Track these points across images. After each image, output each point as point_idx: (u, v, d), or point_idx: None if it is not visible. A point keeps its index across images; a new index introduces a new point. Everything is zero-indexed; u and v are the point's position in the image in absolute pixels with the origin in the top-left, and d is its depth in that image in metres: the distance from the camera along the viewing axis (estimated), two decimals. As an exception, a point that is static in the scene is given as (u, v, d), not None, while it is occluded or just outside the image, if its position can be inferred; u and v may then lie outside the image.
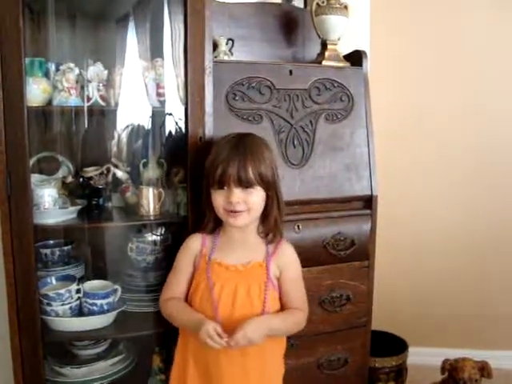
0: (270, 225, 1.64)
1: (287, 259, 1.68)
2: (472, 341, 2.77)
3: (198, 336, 1.49)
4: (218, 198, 1.57)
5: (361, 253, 2.12)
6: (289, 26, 2.38)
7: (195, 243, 1.69)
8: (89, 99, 1.82)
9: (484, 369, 2.20)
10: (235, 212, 1.56)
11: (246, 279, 1.61)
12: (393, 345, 2.51)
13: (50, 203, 1.83)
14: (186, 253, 1.69)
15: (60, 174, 2.00)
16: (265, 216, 1.64)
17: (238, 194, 1.54)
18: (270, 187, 1.59)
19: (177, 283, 1.68)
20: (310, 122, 2.06)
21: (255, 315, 1.56)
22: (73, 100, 1.80)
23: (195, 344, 1.60)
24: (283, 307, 1.65)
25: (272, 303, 1.62)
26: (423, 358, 2.67)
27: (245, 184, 1.54)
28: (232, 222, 1.59)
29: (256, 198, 1.57)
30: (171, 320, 1.67)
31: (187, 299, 1.67)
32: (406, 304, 2.84)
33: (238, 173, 1.52)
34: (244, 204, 1.55)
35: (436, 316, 2.87)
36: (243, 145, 1.58)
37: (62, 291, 1.81)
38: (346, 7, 2.22)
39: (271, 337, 1.58)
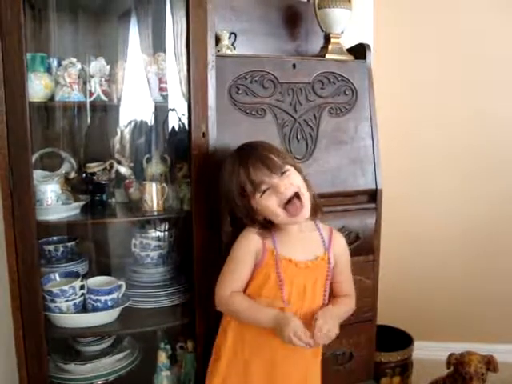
0: (313, 203, 1.62)
1: (342, 248, 1.71)
2: (478, 335, 2.76)
3: (280, 333, 1.49)
4: (270, 200, 1.53)
5: (366, 247, 2.11)
6: (292, 19, 2.37)
7: (255, 237, 1.62)
8: (91, 94, 1.81)
9: (490, 363, 2.19)
10: (291, 200, 1.53)
11: (314, 274, 1.62)
12: (398, 339, 2.51)
13: (52, 199, 1.82)
14: (246, 246, 1.62)
15: (63, 169, 1.99)
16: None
17: (281, 181, 1.52)
18: (296, 166, 1.60)
19: (236, 277, 1.62)
20: (314, 115, 2.05)
21: (319, 307, 1.61)
22: (75, 95, 1.79)
23: (256, 341, 1.61)
24: (334, 293, 1.69)
25: (328, 292, 1.66)
26: (429, 352, 2.67)
27: (278, 169, 1.53)
28: (296, 218, 1.55)
29: (296, 177, 1.56)
30: (233, 315, 1.64)
31: (245, 292, 1.63)
32: (411, 298, 2.83)
33: (264, 165, 1.52)
34: (292, 186, 1.53)
35: (441, 310, 2.86)
36: (249, 148, 1.60)
37: (65, 287, 1.81)
38: (349, 0, 2.20)
39: None
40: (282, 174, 1.54)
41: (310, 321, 1.54)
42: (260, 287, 1.61)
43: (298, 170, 1.61)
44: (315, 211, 1.65)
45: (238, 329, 1.65)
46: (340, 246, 1.71)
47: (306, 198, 1.56)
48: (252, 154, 1.55)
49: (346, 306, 1.68)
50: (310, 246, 1.65)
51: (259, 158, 1.53)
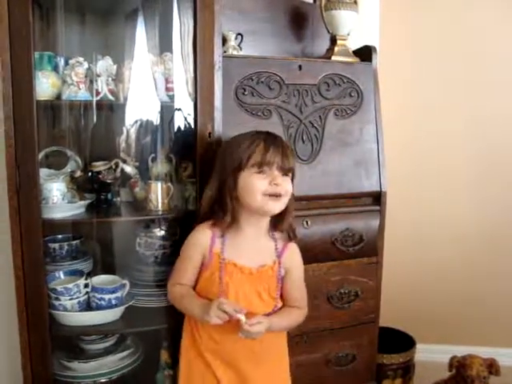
0: (289, 221, 1.65)
1: (294, 261, 1.70)
2: (480, 338, 2.76)
3: (207, 316, 1.49)
4: (258, 182, 1.54)
5: (369, 249, 2.12)
6: (298, 20, 2.38)
7: (204, 236, 1.63)
8: (98, 93, 1.81)
9: (492, 366, 2.19)
10: (278, 196, 1.55)
11: (258, 282, 1.61)
12: (400, 341, 2.51)
13: (58, 198, 1.82)
14: (195, 244, 1.64)
15: (68, 168, 2.00)
16: (284, 212, 1.62)
17: (280, 178, 1.55)
18: (293, 179, 1.62)
19: (184, 270, 1.65)
20: (319, 117, 2.05)
21: (264, 311, 1.59)
22: (82, 94, 1.80)
23: (208, 338, 1.62)
24: (284, 303, 1.67)
25: (279, 302, 1.65)
26: (431, 354, 2.67)
27: (285, 171, 1.56)
28: (272, 207, 1.56)
29: (289, 186, 1.59)
30: (176, 304, 1.67)
31: (195, 289, 1.65)
32: (414, 301, 2.84)
33: (283, 157, 1.54)
34: (284, 188, 1.56)
35: (444, 313, 2.86)
36: (275, 136, 1.61)
37: (70, 286, 1.81)
38: (355, 2, 2.21)
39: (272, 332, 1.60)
40: (285, 175, 1.57)
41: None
42: (206, 289, 1.62)
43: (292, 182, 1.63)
44: (292, 233, 1.69)
45: (192, 328, 1.67)
46: (293, 259, 1.69)
47: (285, 203, 1.59)
48: (279, 141, 1.58)
49: (289, 320, 1.67)
50: (260, 253, 1.65)
51: (283, 150, 1.55)
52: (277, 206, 1.57)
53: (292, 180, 1.62)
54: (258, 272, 1.61)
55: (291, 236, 1.69)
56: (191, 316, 1.65)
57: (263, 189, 1.54)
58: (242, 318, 1.47)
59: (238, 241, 1.63)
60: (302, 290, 1.72)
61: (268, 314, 1.60)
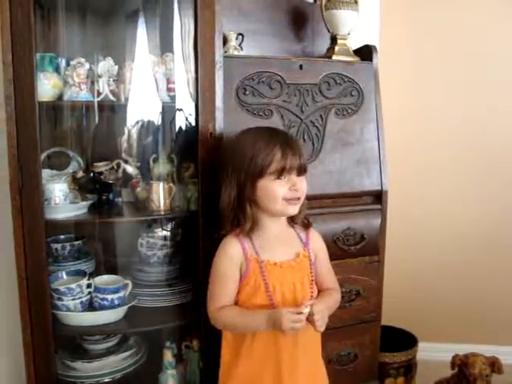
0: (303, 211, 1.66)
1: (319, 244, 1.73)
2: (482, 336, 2.76)
3: (278, 328, 1.48)
4: (279, 188, 1.54)
5: (371, 248, 2.12)
6: (298, 20, 2.38)
7: (235, 248, 1.61)
8: (99, 94, 1.82)
9: (494, 364, 2.20)
10: (297, 199, 1.57)
11: (299, 272, 1.63)
12: (402, 340, 2.51)
13: (60, 198, 1.83)
14: (230, 260, 1.61)
15: (70, 169, 2.01)
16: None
17: (299, 181, 1.56)
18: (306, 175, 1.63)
19: (225, 293, 1.60)
20: (320, 116, 2.06)
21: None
22: (83, 95, 1.80)
23: (264, 345, 1.59)
24: (317, 287, 1.69)
25: (315, 288, 1.67)
26: (433, 353, 2.68)
27: (303, 172, 1.58)
28: (292, 210, 1.59)
29: (305, 184, 1.60)
30: (229, 328, 1.63)
31: (237, 304, 1.62)
32: (415, 299, 2.84)
33: (300, 161, 1.55)
34: (302, 190, 1.58)
35: (446, 311, 2.87)
36: (287, 135, 1.63)
37: (72, 286, 1.82)
38: (355, 1, 2.21)
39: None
40: (301, 175, 1.58)
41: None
42: (251, 296, 1.59)
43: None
44: (307, 221, 1.71)
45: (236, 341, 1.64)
46: (318, 241, 1.73)
47: (301, 203, 1.61)
48: (294, 144, 1.57)
49: (331, 298, 1.69)
50: (289, 244, 1.67)
51: (299, 153, 1.56)
52: (296, 209, 1.60)
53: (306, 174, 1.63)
54: (296, 263, 1.63)
55: (307, 223, 1.71)
56: (253, 331, 1.59)
57: (283, 194, 1.55)
58: (308, 308, 1.48)
59: (265, 239, 1.63)
60: (331, 271, 1.76)
61: None
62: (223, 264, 1.62)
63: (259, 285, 1.58)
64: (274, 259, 1.61)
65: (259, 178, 1.54)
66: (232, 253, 1.61)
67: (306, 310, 1.48)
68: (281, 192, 1.54)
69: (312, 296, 1.63)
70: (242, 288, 1.60)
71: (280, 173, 1.53)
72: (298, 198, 1.58)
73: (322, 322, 1.51)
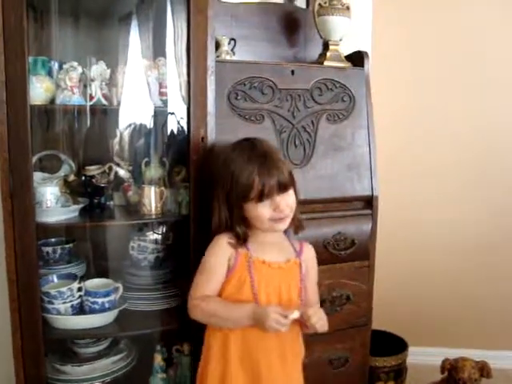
0: (296, 218, 1.65)
1: (312, 259, 1.73)
2: (472, 341, 2.78)
3: (262, 326, 1.48)
4: (263, 211, 1.55)
5: (361, 253, 2.13)
6: (291, 26, 2.39)
7: (228, 241, 1.63)
8: (91, 98, 1.82)
9: (483, 368, 2.21)
10: (283, 218, 1.57)
11: (287, 277, 1.63)
12: (393, 344, 2.52)
13: (52, 201, 1.83)
14: (220, 252, 1.62)
15: (62, 172, 2.00)
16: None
17: (283, 200, 1.55)
18: (295, 185, 1.62)
19: (211, 284, 1.60)
20: (312, 122, 2.07)
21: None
22: (76, 99, 1.80)
23: (241, 343, 1.59)
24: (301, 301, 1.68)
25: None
26: (423, 357, 2.69)
27: (285, 189, 1.56)
28: (279, 227, 1.60)
29: (292, 198, 1.59)
30: (208, 317, 1.60)
31: (223, 295, 1.62)
32: (405, 304, 2.85)
33: (279, 181, 1.53)
34: (288, 208, 1.57)
35: (436, 316, 2.88)
36: (265, 151, 1.59)
37: (63, 289, 1.82)
38: (348, 8, 2.22)
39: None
40: (285, 191, 1.56)
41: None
42: (236, 292, 1.59)
43: (295, 187, 1.63)
44: (297, 227, 1.70)
45: (221, 333, 1.62)
46: (311, 256, 1.73)
47: (291, 216, 1.61)
48: (271, 163, 1.55)
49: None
50: (282, 250, 1.67)
51: (277, 172, 1.54)
52: (285, 225, 1.60)
53: (294, 184, 1.62)
54: (286, 266, 1.63)
55: (300, 228, 1.70)
56: (233, 324, 1.59)
57: (268, 216, 1.56)
58: (296, 313, 1.48)
59: (259, 240, 1.64)
60: (317, 292, 1.76)
61: None
62: (213, 255, 1.63)
63: (244, 280, 1.59)
64: (264, 258, 1.61)
65: (243, 202, 1.56)
66: (224, 245, 1.62)
67: (293, 316, 1.47)
68: (266, 214, 1.56)
69: (300, 305, 1.61)
70: (228, 282, 1.60)
71: (260, 197, 1.54)
72: (284, 217, 1.58)
73: (321, 323, 1.51)
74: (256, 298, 1.57)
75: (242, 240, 1.61)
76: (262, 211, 1.55)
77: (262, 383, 1.58)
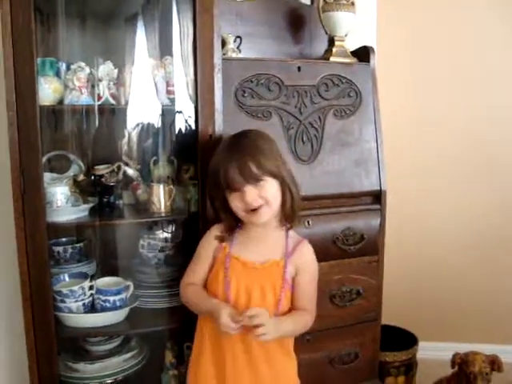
0: (287, 211, 1.62)
1: (305, 261, 1.66)
2: (482, 335, 2.78)
3: (215, 321, 1.50)
4: (235, 202, 1.57)
5: (370, 247, 2.13)
6: (296, 22, 2.39)
7: (217, 232, 1.68)
8: (99, 98, 1.84)
9: (494, 362, 2.20)
10: (255, 210, 1.56)
11: (262, 278, 1.60)
12: (403, 339, 2.52)
13: (62, 201, 1.85)
14: (208, 242, 1.68)
15: (71, 172, 2.02)
16: (281, 205, 1.60)
17: (250, 191, 1.53)
18: (278, 176, 1.57)
19: (196, 270, 1.68)
20: (319, 117, 2.07)
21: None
22: (84, 99, 1.82)
23: (212, 329, 1.60)
24: (292, 305, 1.65)
25: (285, 303, 1.62)
26: (433, 352, 2.69)
27: (252, 180, 1.53)
28: (256, 220, 1.58)
29: (270, 189, 1.55)
30: (188, 305, 1.68)
31: (206, 286, 1.67)
32: (415, 298, 2.85)
33: (240, 172, 1.52)
34: (261, 199, 1.55)
35: (446, 310, 2.88)
36: (238, 143, 1.59)
37: (75, 288, 1.83)
38: (352, 3, 2.22)
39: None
40: (257, 182, 1.54)
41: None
42: (213, 280, 1.63)
43: (281, 179, 1.58)
44: (290, 220, 1.65)
45: (201, 319, 1.69)
46: (304, 258, 1.66)
47: (272, 209, 1.58)
48: (235, 156, 1.54)
49: (297, 320, 1.62)
50: (267, 248, 1.64)
51: (239, 165, 1.52)
52: (261, 217, 1.57)
53: (277, 176, 1.56)
54: (261, 267, 1.61)
55: (294, 222, 1.67)
56: (202, 314, 1.66)
57: (240, 207, 1.57)
58: (247, 321, 1.46)
59: (247, 235, 1.66)
60: (311, 293, 1.67)
61: None
62: (202, 246, 1.70)
63: (218, 274, 1.62)
64: (241, 255, 1.62)
65: (218, 192, 1.59)
66: (211, 237, 1.68)
67: (244, 323, 1.46)
68: (238, 204, 1.57)
69: (278, 309, 1.59)
70: (209, 272, 1.67)
71: (229, 187, 1.55)
72: (255, 209, 1.56)
73: (263, 334, 1.46)
74: (226, 293, 1.59)
75: (228, 231, 1.65)
76: (233, 202, 1.57)
77: (226, 375, 1.61)
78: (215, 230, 1.68)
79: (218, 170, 1.55)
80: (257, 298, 1.58)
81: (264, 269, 1.61)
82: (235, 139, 1.62)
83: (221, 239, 1.66)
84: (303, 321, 1.64)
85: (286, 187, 1.59)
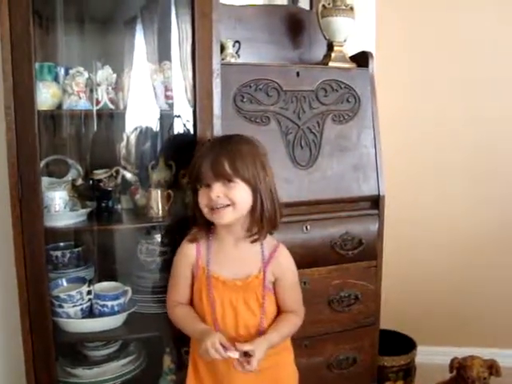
0: (254, 222, 1.59)
1: (283, 267, 1.66)
2: (480, 339, 2.77)
3: (199, 346, 1.50)
4: (201, 197, 1.57)
5: (368, 252, 2.13)
6: (295, 27, 2.39)
7: (190, 250, 1.66)
8: (98, 102, 1.84)
9: (492, 367, 2.20)
10: (217, 208, 1.54)
11: (244, 293, 1.61)
12: (401, 344, 2.52)
13: (60, 206, 1.84)
14: (183, 260, 1.68)
15: (69, 176, 2.02)
16: (251, 214, 1.58)
17: (217, 188, 1.53)
18: (251, 184, 1.55)
19: (178, 290, 1.68)
20: (317, 122, 2.07)
21: (257, 323, 1.61)
22: (82, 103, 1.82)
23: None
24: (279, 309, 1.67)
25: (270, 307, 1.64)
26: (432, 356, 2.67)
27: (222, 178, 1.52)
28: (217, 219, 1.57)
29: (238, 192, 1.54)
30: (177, 326, 1.68)
31: (192, 303, 1.68)
32: (414, 303, 2.85)
33: (212, 166, 1.52)
34: (226, 198, 1.53)
35: (444, 315, 2.87)
36: (221, 142, 1.61)
37: (73, 293, 1.83)
38: (351, 8, 2.23)
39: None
40: (229, 181, 1.53)
41: (244, 339, 1.55)
42: (197, 303, 1.64)
43: (254, 188, 1.55)
44: (257, 232, 1.60)
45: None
46: (282, 265, 1.66)
47: (236, 211, 1.56)
48: (212, 151, 1.56)
49: (282, 328, 1.63)
50: (244, 262, 1.64)
51: (212, 159, 1.53)
52: (222, 219, 1.56)
53: (250, 184, 1.54)
54: (242, 283, 1.61)
55: (261, 236, 1.62)
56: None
57: (205, 203, 1.56)
58: (235, 355, 1.47)
59: (221, 250, 1.65)
60: (295, 295, 1.70)
61: (262, 330, 1.61)
62: (177, 263, 1.69)
63: (201, 293, 1.62)
64: (220, 274, 1.61)
65: (194, 187, 1.60)
66: (186, 253, 1.67)
67: (232, 355, 1.47)
68: (203, 201, 1.57)
69: (263, 316, 1.61)
70: (193, 290, 1.67)
71: (199, 181, 1.56)
72: (219, 207, 1.54)
73: (252, 367, 1.47)
74: (213, 311, 1.60)
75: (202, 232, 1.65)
76: (200, 197, 1.57)
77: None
78: (187, 247, 1.68)
79: (195, 163, 1.57)
80: (243, 311, 1.61)
81: (246, 285, 1.61)
82: (221, 139, 1.65)
83: (195, 240, 1.66)
84: (290, 326, 1.66)
85: (258, 198, 1.57)
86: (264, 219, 1.58)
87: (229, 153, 1.53)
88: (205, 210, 1.58)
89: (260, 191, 1.56)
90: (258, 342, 1.52)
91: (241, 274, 1.62)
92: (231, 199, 1.54)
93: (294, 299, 1.69)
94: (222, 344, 1.47)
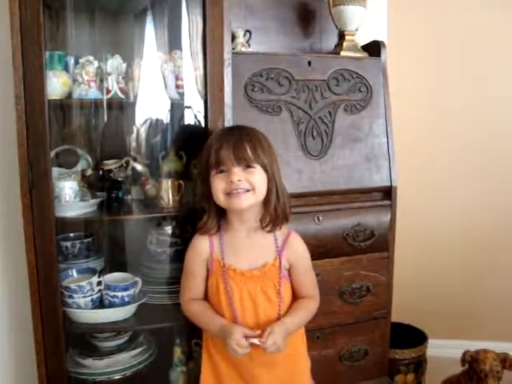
0: (269, 212, 1.59)
1: (297, 253, 1.67)
2: (493, 333, 2.75)
3: (224, 342, 1.51)
4: (218, 183, 1.54)
5: (380, 244, 2.12)
6: (306, 17, 2.38)
7: (203, 244, 1.65)
8: (108, 92, 1.82)
9: (505, 360, 2.18)
10: (238, 192, 1.52)
11: (262, 282, 1.61)
12: (412, 337, 2.51)
13: (70, 196, 1.83)
14: (196, 255, 1.66)
15: (79, 167, 2.01)
16: (264, 204, 1.60)
17: (238, 172, 1.52)
18: (268, 172, 1.56)
19: (193, 287, 1.67)
20: (329, 112, 2.05)
21: (275, 311, 1.60)
22: (92, 93, 1.81)
23: (220, 343, 1.60)
24: (295, 294, 1.67)
25: (286, 294, 1.64)
26: (443, 349, 2.66)
27: (244, 162, 1.52)
28: (237, 204, 1.54)
29: (258, 176, 1.54)
30: (193, 321, 1.67)
31: (207, 298, 1.67)
32: (425, 296, 2.83)
33: (234, 150, 1.51)
34: (247, 183, 1.53)
35: (456, 308, 2.85)
36: (238, 129, 1.61)
37: (83, 283, 1.82)
38: (363, -3, 2.20)
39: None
40: (248, 167, 1.53)
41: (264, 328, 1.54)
42: (215, 293, 1.62)
43: (271, 176, 1.57)
44: (271, 223, 1.61)
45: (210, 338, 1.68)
46: (296, 251, 1.66)
47: (255, 197, 1.55)
48: (232, 136, 1.55)
49: (299, 314, 1.63)
50: (259, 251, 1.63)
51: (234, 143, 1.52)
52: (242, 202, 1.54)
53: (268, 171, 1.56)
54: (260, 272, 1.60)
55: (276, 226, 1.63)
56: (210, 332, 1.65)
57: (222, 188, 1.54)
58: (255, 341, 1.49)
59: (234, 242, 1.64)
60: (311, 279, 1.71)
61: (278, 316, 1.61)
62: (190, 259, 1.67)
63: (219, 287, 1.61)
64: (237, 266, 1.60)
65: (207, 174, 1.57)
66: (199, 248, 1.65)
67: (254, 341, 1.48)
68: (219, 185, 1.54)
69: (279, 307, 1.61)
70: (208, 285, 1.65)
71: (216, 166, 1.53)
72: (239, 191, 1.52)
73: (273, 348, 1.49)
74: (230, 302, 1.59)
75: (213, 225, 1.63)
76: (216, 184, 1.54)
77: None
78: (199, 241, 1.66)
79: (211, 147, 1.54)
80: (262, 301, 1.60)
81: (263, 274, 1.61)
82: (234, 127, 1.65)
83: (206, 231, 1.64)
84: (307, 311, 1.67)
85: (274, 186, 1.58)
86: (278, 208, 1.59)
87: (251, 138, 1.54)
88: (220, 197, 1.55)
89: (276, 181, 1.58)
90: (276, 324, 1.54)
91: (257, 263, 1.61)
92: (252, 184, 1.53)
93: (311, 284, 1.70)
94: (244, 335, 1.48)
